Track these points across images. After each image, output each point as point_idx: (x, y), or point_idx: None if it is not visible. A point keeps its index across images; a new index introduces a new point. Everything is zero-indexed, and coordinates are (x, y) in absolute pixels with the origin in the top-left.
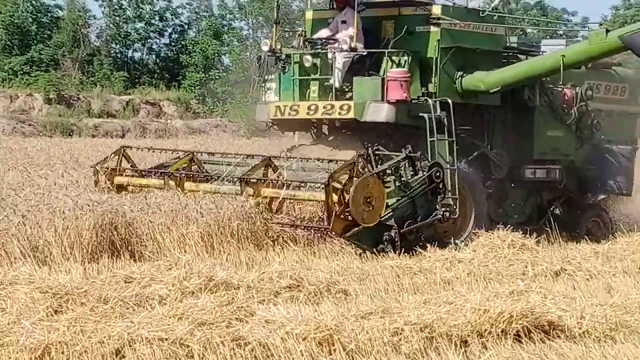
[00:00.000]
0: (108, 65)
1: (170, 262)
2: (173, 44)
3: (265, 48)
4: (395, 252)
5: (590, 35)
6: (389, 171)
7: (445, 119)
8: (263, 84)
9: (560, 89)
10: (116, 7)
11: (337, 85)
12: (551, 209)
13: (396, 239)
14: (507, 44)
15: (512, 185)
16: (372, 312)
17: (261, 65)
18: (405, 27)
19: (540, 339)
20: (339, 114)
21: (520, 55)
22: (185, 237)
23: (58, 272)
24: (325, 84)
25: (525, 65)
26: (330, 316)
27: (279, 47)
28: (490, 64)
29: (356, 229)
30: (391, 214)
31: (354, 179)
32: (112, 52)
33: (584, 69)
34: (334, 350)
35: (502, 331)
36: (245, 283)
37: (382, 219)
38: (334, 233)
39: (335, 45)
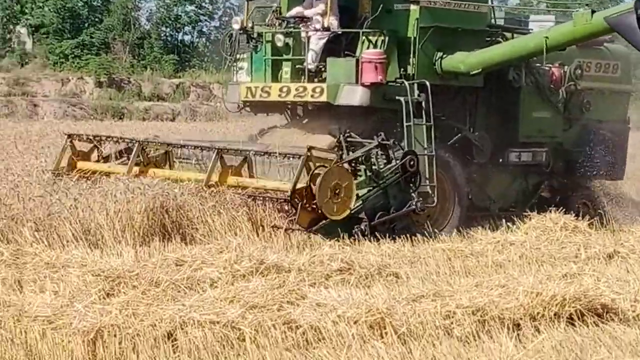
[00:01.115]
0: (158, 49)
1: (221, 245)
2: (223, 27)
3: (236, 26)
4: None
5: (575, 16)
6: (360, 160)
7: (424, 102)
8: (234, 64)
9: (547, 68)
10: None
11: (311, 67)
12: (537, 193)
13: (366, 232)
14: (492, 22)
15: (496, 169)
16: (423, 295)
17: (232, 44)
18: (383, 4)
19: (594, 322)
20: (312, 96)
21: (506, 34)
22: (235, 220)
23: (110, 255)
24: (298, 65)
25: (507, 46)
26: (382, 299)
27: (250, 25)
28: (472, 44)
29: (324, 221)
30: (362, 205)
31: (322, 168)
32: (162, 35)
33: (574, 46)
34: (386, 333)
35: (554, 314)
36: (296, 266)
37: (352, 211)
38: (299, 226)
39: (308, 24)
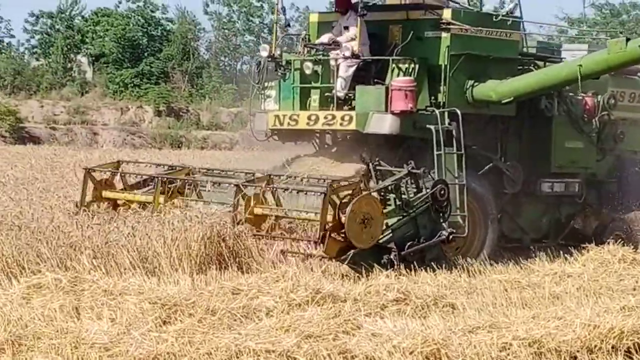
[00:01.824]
0: (217, 78)
1: (278, 274)
2: None
3: (264, 53)
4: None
5: (609, 44)
6: (389, 189)
7: (454, 131)
8: (262, 92)
9: (580, 98)
10: (225, 20)
11: (340, 94)
12: (570, 224)
13: (396, 262)
14: (524, 50)
15: (528, 200)
16: (479, 327)
17: (260, 72)
18: (413, 32)
19: None
20: (341, 124)
21: (538, 62)
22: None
23: (167, 283)
24: (327, 93)
25: (539, 75)
26: (438, 330)
27: (278, 52)
28: (504, 72)
29: (352, 251)
30: (391, 235)
31: (350, 197)
32: (221, 64)
33: (607, 76)
34: None
35: (612, 347)
36: (352, 296)
37: (381, 240)
38: (327, 256)
39: (338, 51)
